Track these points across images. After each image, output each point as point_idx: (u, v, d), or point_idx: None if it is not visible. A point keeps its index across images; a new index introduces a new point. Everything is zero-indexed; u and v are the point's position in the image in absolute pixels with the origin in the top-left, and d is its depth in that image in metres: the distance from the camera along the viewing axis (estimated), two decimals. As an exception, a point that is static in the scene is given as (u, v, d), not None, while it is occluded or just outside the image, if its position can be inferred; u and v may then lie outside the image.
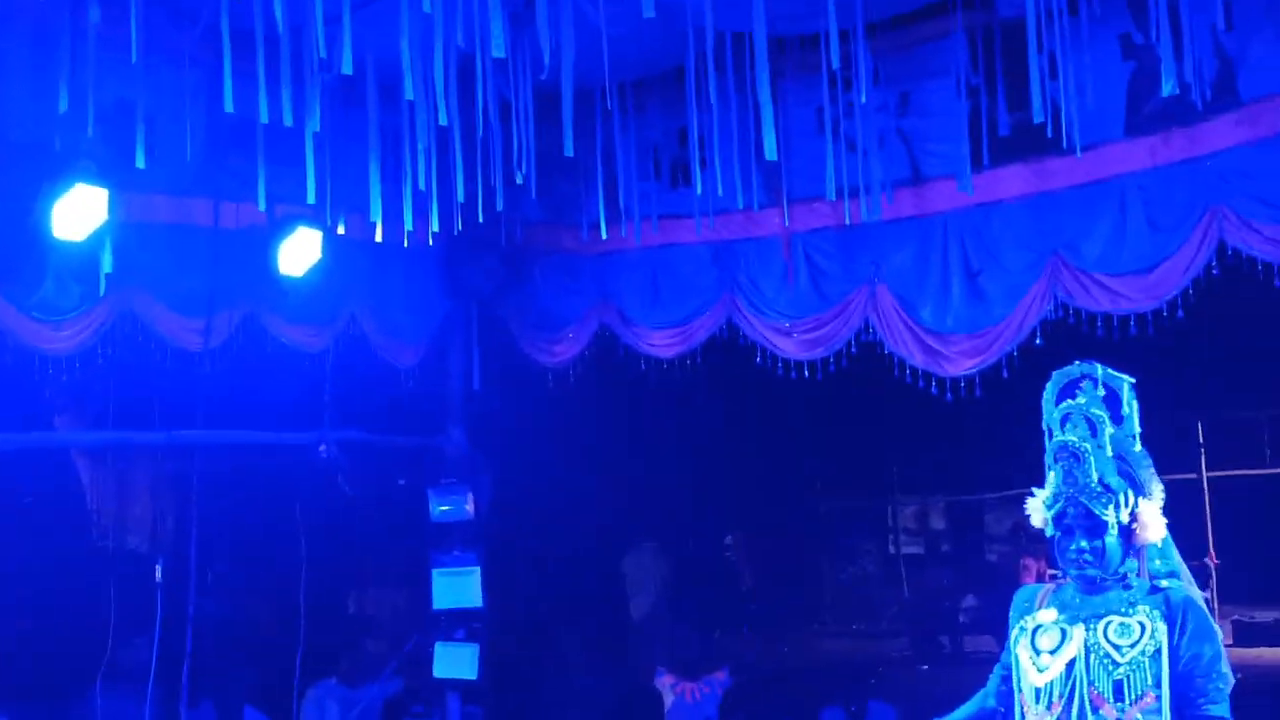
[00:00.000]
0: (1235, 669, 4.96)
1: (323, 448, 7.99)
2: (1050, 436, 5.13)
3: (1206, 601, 5.37)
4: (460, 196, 7.43)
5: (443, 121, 6.70)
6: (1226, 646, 5.16)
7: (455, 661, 8.66)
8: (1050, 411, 5.16)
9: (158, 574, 7.38)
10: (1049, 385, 5.17)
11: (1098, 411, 5.04)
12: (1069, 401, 5.10)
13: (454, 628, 8.66)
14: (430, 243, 7.72)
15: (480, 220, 7.45)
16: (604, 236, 8.34)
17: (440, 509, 8.69)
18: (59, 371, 7.40)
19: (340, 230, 7.82)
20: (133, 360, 7.68)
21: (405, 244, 7.66)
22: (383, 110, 7.37)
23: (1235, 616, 21.35)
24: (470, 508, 8.65)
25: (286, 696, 7.98)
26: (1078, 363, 5.18)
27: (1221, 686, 4.85)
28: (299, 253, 7.83)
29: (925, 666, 20.17)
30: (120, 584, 8.16)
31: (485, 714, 9.74)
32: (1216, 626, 5.04)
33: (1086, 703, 4.92)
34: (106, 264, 6.94)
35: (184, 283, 7.77)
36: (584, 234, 8.59)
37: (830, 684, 13.39)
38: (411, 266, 8.69)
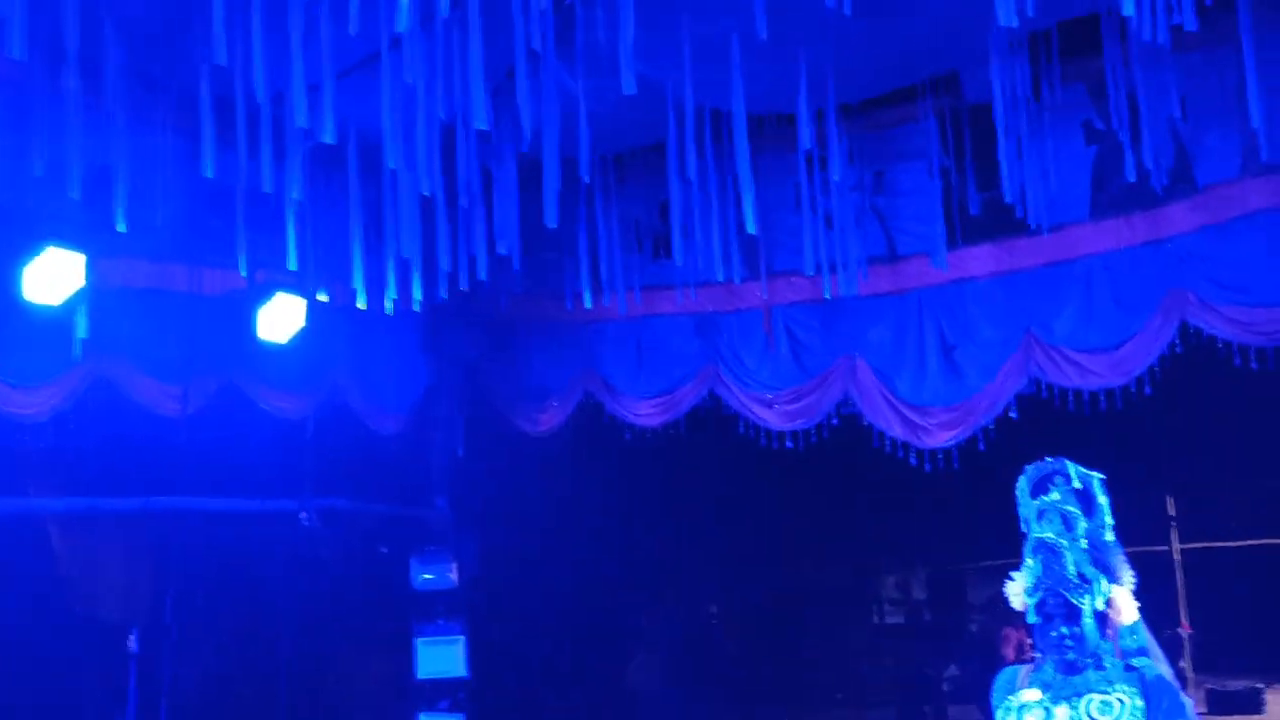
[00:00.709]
0: None
1: (304, 515, 7.64)
2: (1027, 526, 5.28)
3: (1180, 671, 5.50)
4: (444, 265, 7.12)
5: (425, 191, 6.46)
6: (1202, 715, 5.35)
7: (448, 727, 8.28)
8: (1026, 505, 5.31)
9: (132, 644, 7.01)
10: (1022, 479, 5.30)
11: (1071, 508, 5.24)
12: (1044, 498, 5.26)
13: (438, 698, 8.30)
14: (414, 310, 7.42)
15: (464, 289, 7.16)
16: (588, 306, 8.08)
17: (424, 577, 8.38)
18: (32, 437, 7.07)
19: (322, 298, 7.51)
20: (109, 426, 7.37)
21: (389, 312, 7.35)
22: (364, 178, 7.08)
23: (1209, 685, 21.08)
24: (454, 576, 8.34)
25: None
26: (1049, 459, 5.27)
27: None
28: (281, 319, 7.53)
29: (908, 735, 19.90)
30: (93, 654, 7.81)
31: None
32: (1186, 699, 5.23)
33: None
34: (82, 329, 6.64)
35: (162, 348, 7.46)
36: (568, 304, 8.34)
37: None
38: (395, 334, 8.39)
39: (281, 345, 7.59)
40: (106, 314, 6.93)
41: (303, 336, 7.59)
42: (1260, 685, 21.20)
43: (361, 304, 7.10)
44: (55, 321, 6.72)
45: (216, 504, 7.73)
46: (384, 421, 8.49)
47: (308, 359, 7.80)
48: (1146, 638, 5.38)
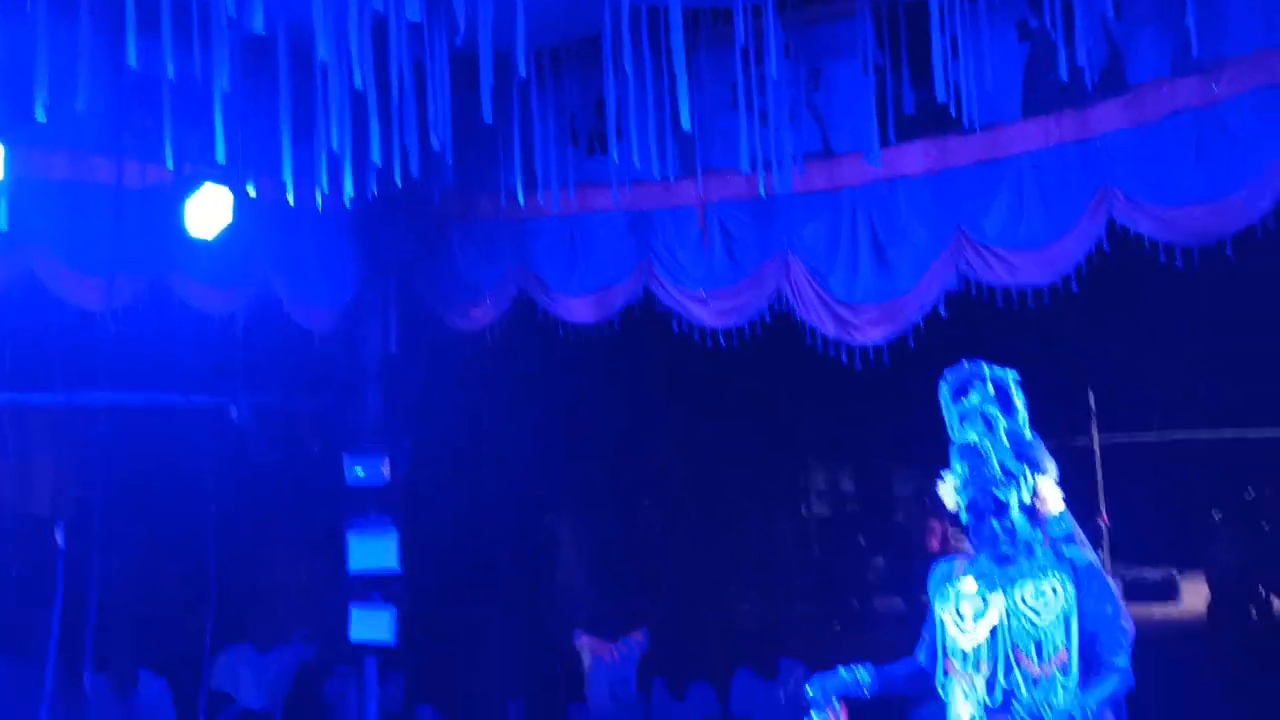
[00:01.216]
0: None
1: (234, 411, 7.44)
2: (952, 431, 5.48)
3: (1100, 560, 5.55)
4: (376, 161, 6.89)
5: (357, 85, 6.24)
6: (1120, 609, 5.50)
7: (372, 625, 8.18)
8: (949, 410, 5.50)
9: (59, 539, 6.82)
10: (943, 385, 5.51)
11: (991, 409, 5.43)
12: (964, 401, 5.47)
13: (370, 591, 8.14)
14: (345, 207, 7.21)
15: (396, 185, 6.94)
16: (521, 203, 7.91)
17: (356, 473, 8.16)
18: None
19: (251, 192, 7.24)
20: (33, 320, 7.13)
21: (319, 208, 7.12)
22: (295, 71, 6.81)
23: (1125, 573, 21.39)
24: (387, 472, 8.16)
25: (196, 662, 7.43)
26: (966, 364, 5.49)
27: (1122, 639, 5.33)
28: (209, 215, 7.26)
29: (836, 625, 20.06)
30: (19, 550, 7.62)
31: (404, 677, 9.27)
32: (1112, 584, 5.54)
33: (1012, 661, 5.34)
34: (2, 221, 6.39)
35: (85, 242, 7.21)
36: (502, 200, 8.13)
37: (744, 643, 13.10)
38: (325, 231, 8.14)
39: (209, 240, 7.33)
40: (27, 206, 6.68)
41: (231, 232, 7.33)
42: (1175, 573, 21.59)
43: (291, 199, 6.88)
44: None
45: (145, 399, 7.52)
46: (315, 318, 8.26)
47: (236, 255, 7.54)
48: (1072, 523, 5.54)
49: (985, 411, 5.45)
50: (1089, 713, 5.25)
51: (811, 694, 5.77)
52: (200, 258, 7.50)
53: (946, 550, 5.94)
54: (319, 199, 6.98)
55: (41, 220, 6.97)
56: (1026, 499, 5.42)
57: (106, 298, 7.26)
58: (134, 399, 7.47)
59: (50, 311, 7.19)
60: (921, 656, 5.71)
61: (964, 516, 5.45)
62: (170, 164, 6.52)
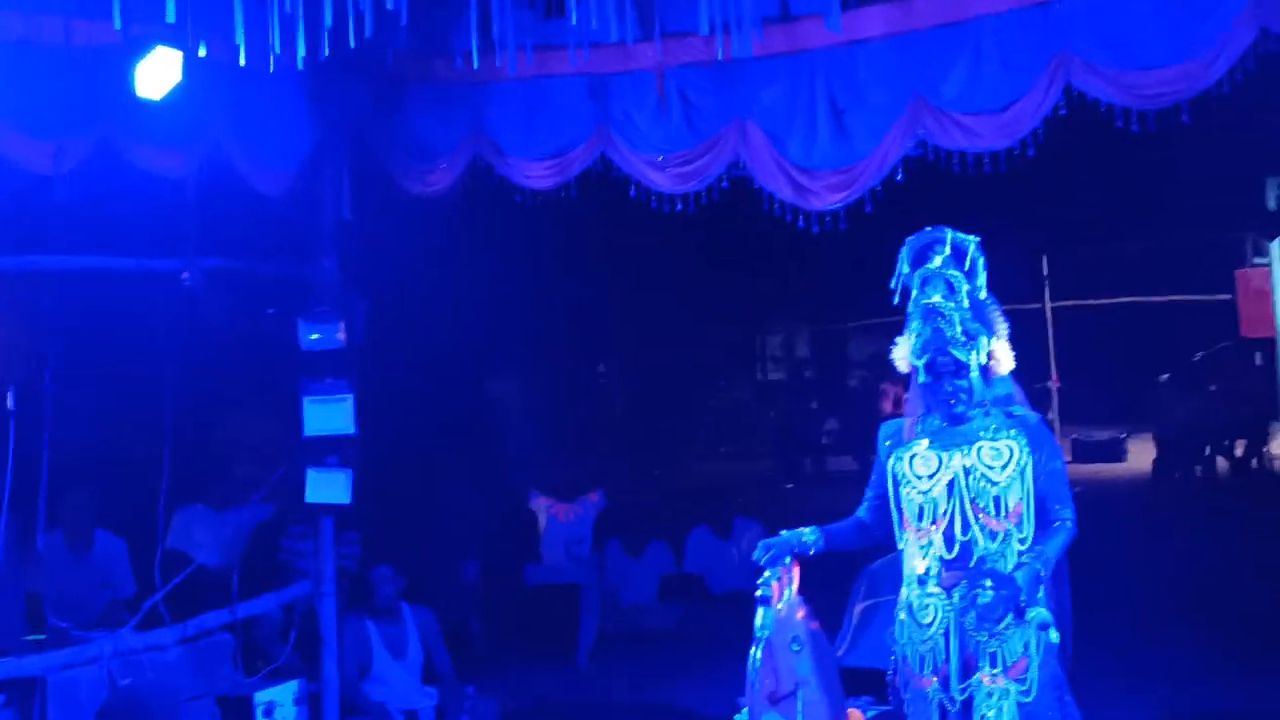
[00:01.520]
0: (1074, 483, 5.66)
1: (186, 275, 7.30)
2: (907, 295, 5.67)
3: (1049, 422, 5.75)
4: (329, 21, 6.69)
5: (308, -60, 6.04)
6: (1068, 464, 5.83)
7: (328, 487, 8.12)
8: (908, 274, 5.65)
9: (9, 402, 6.71)
10: (904, 250, 5.67)
11: (953, 273, 5.56)
12: (926, 266, 5.59)
13: (326, 454, 8.07)
14: (298, 68, 7.00)
15: (349, 46, 6.73)
16: (477, 66, 7.63)
17: (311, 337, 8.06)
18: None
19: (201, 53, 7.03)
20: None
21: (271, 69, 6.92)
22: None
23: (1074, 435, 21.61)
24: (342, 336, 8.04)
25: (152, 521, 7.39)
26: (929, 229, 5.63)
27: (1069, 493, 5.58)
28: (158, 75, 7.04)
29: (790, 485, 20.25)
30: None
31: (361, 538, 9.28)
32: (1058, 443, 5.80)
33: (970, 516, 5.48)
34: (-56, 82, 6.20)
35: (32, 103, 6.91)
36: (457, 63, 7.93)
37: (699, 503, 13.22)
38: (278, 92, 7.88)
39: (159, 102, 7.11)
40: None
41: (181, 93, 7.11)
42: (1122, 435, 21.87)
43: (242, 60, 6.69)
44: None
45: (96, 262, 7.36)
46: (268, 181, 8.06)
47: (187, 116, 7.30)
48: (1013, 385, 5.74)
49: (947, 275, 5.58)
50: (1050, 564, 5.44)
51: (762, 557, 5.86)
52: (150, 120, 7.25)
53: (899, 414, 5.94)
54: (271, 60, 6.77)
55: (-14, 81, 6.75)
56: (983, 359, 5.57)
57: (56, 161, 7.06)
58: (86, 263, 7.30)
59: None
60: (862, 511, 5.90)
61: (921, 377, 5.61)
62: (118, 24, 6.28)
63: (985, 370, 5.61)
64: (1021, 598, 5.29)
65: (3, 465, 6.70)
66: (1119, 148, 7.64)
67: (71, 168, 7.12)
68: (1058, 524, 5.51)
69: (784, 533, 5.86)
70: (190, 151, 7.59)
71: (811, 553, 5.83)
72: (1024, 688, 5.43)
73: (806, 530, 5.82)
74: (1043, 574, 5.40)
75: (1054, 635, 5.38)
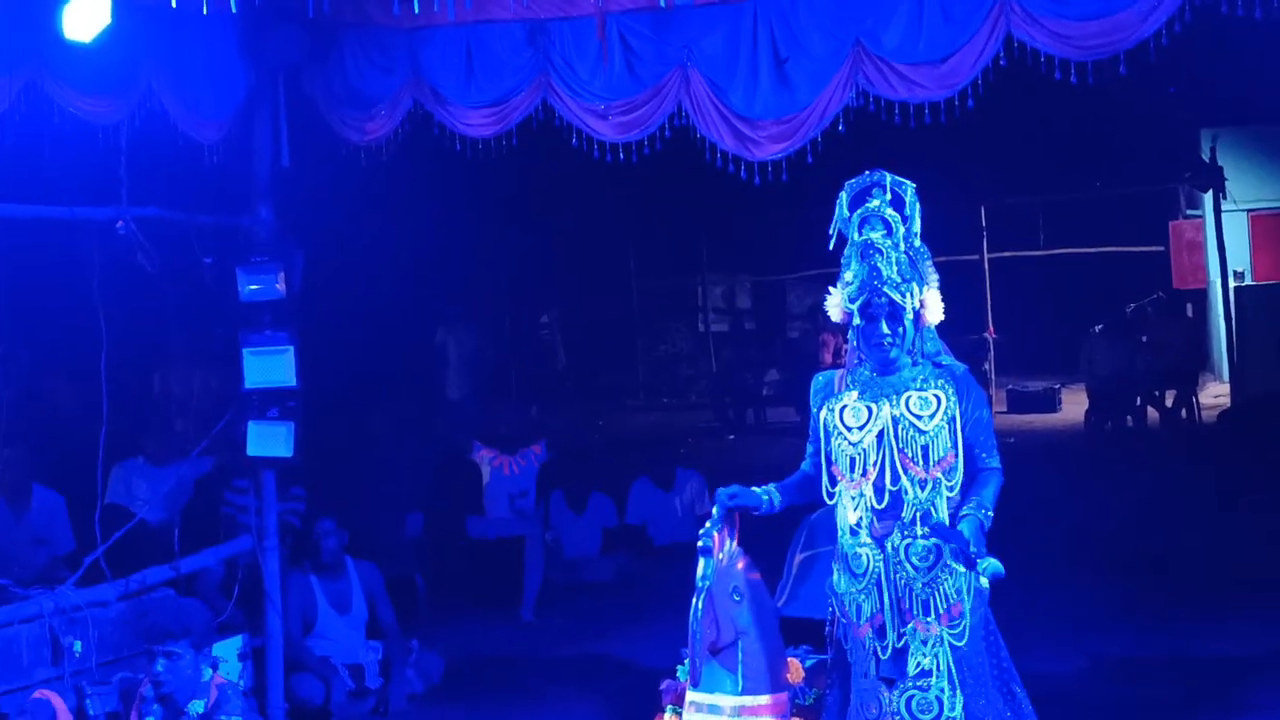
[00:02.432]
0: (1008, 434, 5.24)
1: (120, 224, 7.06)
2: (844, 242, 5.65)
3: (985, 372, 5.75)
4: (262, -37, 6.47)
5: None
6: (1000, 413, 5.55)
7: (270, 440, 7.90)
8: (845, 216, 5.61)
9: None
10: (843, 194, 5.63)
11: (892, 214, 5.53)
12: (865, 206, 5.56)
13: (267, 406, 7.86)
14: (231, 12, 6.80)
15: (283, -11, 6.53)
16: (415, 11, 7.55)
17: (250, 288, 7.82)
18: None
19: (131, -8, 6.81)
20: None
21: (204, 11, 6.70)
22: None
23: (1010, 386, 21.70)
24: (281, 286, 7.81)
25: (90, 475, 7.19)
26: (868, 172, 5.61)
27: (994, 441, 5.57)
28: (86, 17, 6.78)
29: (731, 436, 20.22)
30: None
31: (303, 491, 9.10)
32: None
33: (899, 467, 5.47)
34: None
35: (-44, 46, 6.76)
36: (394, 8, 7.75)
37: (642, 454, 13.13)
38: (211, 37, 7.65)
39: (87, 45, 6.86)
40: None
41: (111, 36, 6.87)
42: (1056, 386, 22.00)
43: (174, 2, 6.48)
44: None
45: (27, 211, 7.11)
46: (203, 129, 7.85)
47: (117, 60, 7.10)
48: (940, 343, 5.71)
49: (885, 215, 5.54)
50: (989, 514, 5.45)
51: (725, 504, 5.85)
52: (79, 63, 7.06)
53: (840, 364, 5.87)
54: (204, 2, 6.56)
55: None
56: (916, 305, 5.54)
57: (-18, 105, 6.86)
58: (16, 211, 7.05)
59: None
60: (806, 465, 5.86)
61: (856, 319, 5.59)
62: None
63: (918, 318, 5.58)
64: (971, 548, 5.27)
65: None
66: (1057, 100, 7.58)
67: (-1, 112, 6.91)
68: (986, 471, 5.52)
69: (755, 489, 5.83)
70: (121, 97, 7.38)
71: (776, 510, 5.83)
72: (956, 632, 5.45)
73: (772, 489, 5.82)
74: (986, 524, 5.40)
75: (984, 581, 5.35)
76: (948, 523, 5.45)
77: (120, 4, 6.78)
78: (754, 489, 5.82)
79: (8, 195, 6.96)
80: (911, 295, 5.51)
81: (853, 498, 5.59)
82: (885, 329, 5.50)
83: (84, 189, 7.27)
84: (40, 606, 6.79)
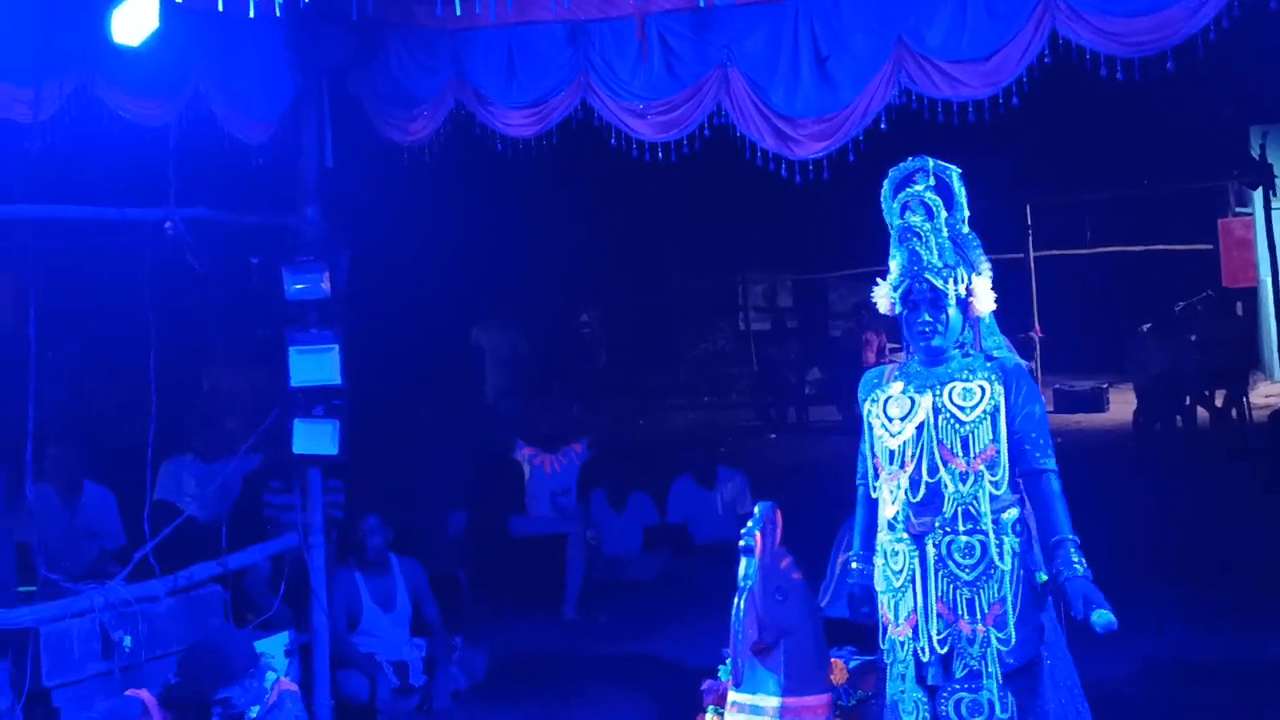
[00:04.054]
0: (1056, 433, 5.52)
1: (169, 225, 7.21)
2: (892, 221, 5.58)
3: (1032, 372, 5.73)
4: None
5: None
6: (1050, 414, 5.80)
7: (315, 438, 8.04)
8: (889, 203, 5.58)
9: None
10: (886, 182, 5.62)
11: (933, 197, 5.46)
12: (906, 191, 5.52)
13: (313, 405, 8.00)
14: (277, 15, 6.93)
15: (328, -9, 6.67)
16: (458, 12, 7.66)
17: (295, 287, 7.96)
18: None
19: (178, -2, 6.96)
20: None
21: (251, 14, 6.84)
22: None
23: (1056, 385, 21.61)
24: (327, 285, 7.94)
25: (139, 472, 7.34)
26: (911, 158, 5.61)
27: (1049, 440, 5.43)
28: (135, 21, 6.92)
29: (773, 435, 20.23)
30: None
31: (347, 487, 9.24)
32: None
33: (937, 458, 5.37)
34: (-82, 30, 6.10)
35: (9, 49, 6.86)
36: (437, 9, 7.84)
37: (683, 453, 13.18)
38: (258, 39, 7.80)
39: (136, 48, 7.01)
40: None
41: (159, 39, 7.01)
42: (1104, 385, 21.87)
43: (221, 5, 6.62)
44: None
45: (78, 212, 7.26)
46: (249, 130, 7.99)
47: (166, 63, 7.22)
48: (1003, 339, 5.65)
49: (926, 199, 5.48)
50: (1075, 539, 5.42)
51: (758, 509, 5.94)
52: (128, 67, 7.19)
53: (882, 362, 5.91)
54: (250, 5, 6.69)
55: (-40, 27, 6.66)
56: (961, 293, 5.46)
57: (34, 109, 7.00)
58: (67, 212, 7.21)
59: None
60: (861, 486, 5.84)
61: (898, 308, 5.54)
62: (94, -32, 6.22)
63: (965, 305, 5.49)
64: (1092, 610, 5.33)
65: None
66: (1103, 96, 7.57)
67: (49, 115, 7.05)
68: (1042, 477, 5.40)
69: (854, 564, 5.84)
70: (170, 99, 7.52)
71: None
72: (1003, 634, 5.36)
73: (864, 565, 5.81)
74: (1084, 569, 5.41)
75: (1040, 577, 5.44)
76: (990, 517, 5.35)
77: (168, 7, 6.92)
78: (855, 565, 5.85)
79: (58, 197, 7.11)
80: (955, 281, 5.43)
81: (891, 491, 5.52)
82: (927, 316, 5.42)
83: (131, 190, 7.42)
84: (91, 601, 6.92)
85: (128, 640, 6.92)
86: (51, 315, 6.88)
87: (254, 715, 6.37)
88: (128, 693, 6.38)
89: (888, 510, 5.56)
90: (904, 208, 5.52)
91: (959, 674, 5.38)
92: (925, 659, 5.45)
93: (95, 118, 7.33)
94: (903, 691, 5.52)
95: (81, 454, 8.51)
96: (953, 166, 5.59)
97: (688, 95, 7.81)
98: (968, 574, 5.36)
